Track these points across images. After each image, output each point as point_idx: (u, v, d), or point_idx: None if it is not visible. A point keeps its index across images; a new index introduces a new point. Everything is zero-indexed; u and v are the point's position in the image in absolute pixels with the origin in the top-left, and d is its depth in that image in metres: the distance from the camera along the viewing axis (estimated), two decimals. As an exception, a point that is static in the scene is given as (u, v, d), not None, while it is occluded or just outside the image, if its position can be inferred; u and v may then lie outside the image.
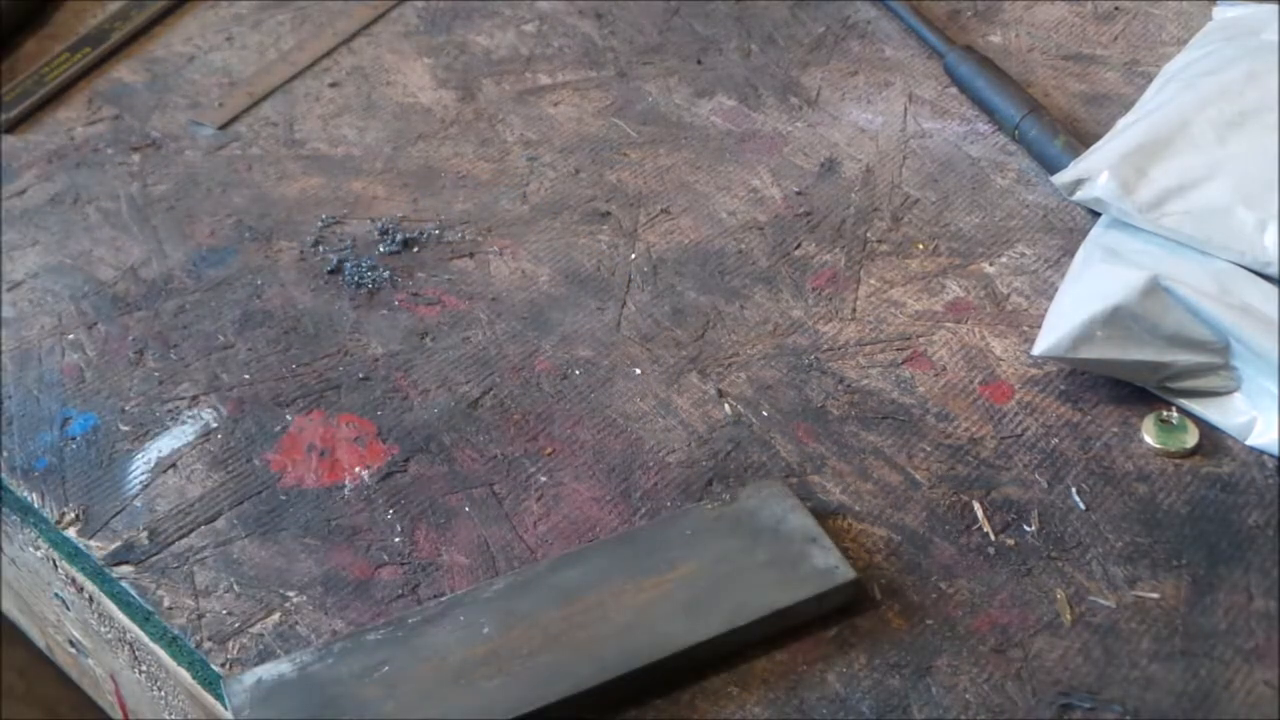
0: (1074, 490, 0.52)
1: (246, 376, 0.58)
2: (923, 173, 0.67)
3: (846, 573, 0.48)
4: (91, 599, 0.52)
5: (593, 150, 0.69)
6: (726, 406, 0.56)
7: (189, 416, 0.57)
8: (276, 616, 0.49)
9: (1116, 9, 0.77)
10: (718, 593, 0.47)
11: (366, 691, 0.45)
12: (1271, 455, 0.53)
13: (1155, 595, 0.49)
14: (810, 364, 0.58)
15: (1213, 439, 0.54)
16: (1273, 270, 0.54)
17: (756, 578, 0.48)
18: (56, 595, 0.56)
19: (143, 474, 0.55)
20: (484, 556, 0.51)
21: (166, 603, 0.50)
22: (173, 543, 0.52)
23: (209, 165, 0.69)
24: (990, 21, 0.77)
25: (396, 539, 0.51)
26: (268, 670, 0.46)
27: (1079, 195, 0.60)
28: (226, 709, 0.46)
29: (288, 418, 0.56)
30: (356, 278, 0.63)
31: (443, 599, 0.48)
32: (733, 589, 0.47)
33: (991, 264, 0.62)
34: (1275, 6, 0.66)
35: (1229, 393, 0.55)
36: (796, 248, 0.63)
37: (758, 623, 0.47)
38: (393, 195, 0.67)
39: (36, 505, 0.54)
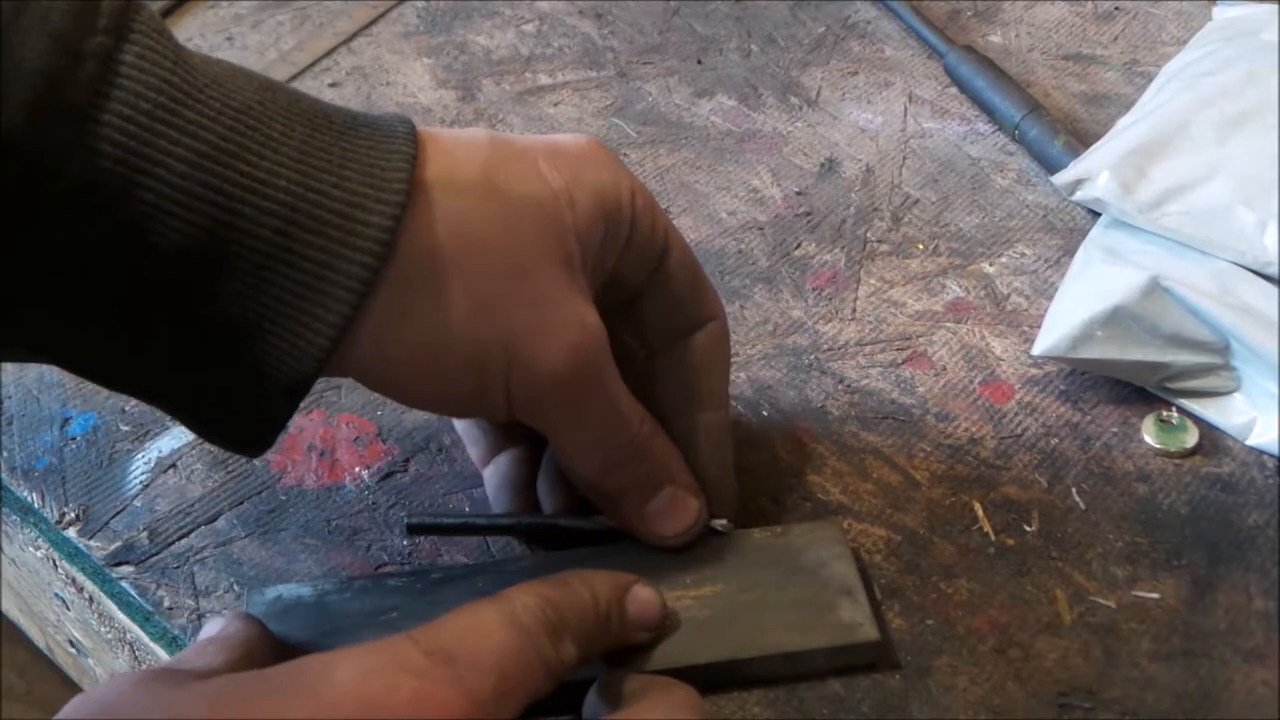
0: (1074, 490, 0.52)
1: (246, 376, 0.58)
2: (923, 173, 0.67)
3: (870, 632, 0.46)
4: (91, 599, 0.52)
5: (593, 150, 0.69)
6: (726, 406, 0.56)
7: (189, 416, 0.57)
8: (277, 616, 0.49)
9: (1116, 9, 0.77)
10: (731, 620, 0.46)
11: (373, 631, 0.45)
12: (1271, 455, 0.53)
13: (1155, 595, 0.49)
14: (810, 364, 0.58)
15: (1213, 439, 0.54)
16: (1273, 270, 0.54)
17: (776, 615, 0.46)
18: (56, 595, 0.56)
19: (143, 474, 0.54)
20: (485, 557, 0.51)
21: (167, 603, 0.50)
22: (173, 543, 0.52)
23: (209, 165, 0.69)
24: (990, 21, 0.77)
25: (397, 539, 0.51)
26: (289, 590, 0.47)
27: (1079, 195, 0.60)
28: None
29: (288, 418, 0.56)
30: (356, 278, 0.63)
31: (469, 563, 0.48)
32: (747, 620, 0.46)
33: (991, 264, 0.62)
34: (1275, 6, 0.66)
35: (1229, 393, 0.55)
36: (796, 248, 0.63)
37: (761, 660, 0.45)
38: (393, 195, 0.67)
39: (36, 505, 0.54)
